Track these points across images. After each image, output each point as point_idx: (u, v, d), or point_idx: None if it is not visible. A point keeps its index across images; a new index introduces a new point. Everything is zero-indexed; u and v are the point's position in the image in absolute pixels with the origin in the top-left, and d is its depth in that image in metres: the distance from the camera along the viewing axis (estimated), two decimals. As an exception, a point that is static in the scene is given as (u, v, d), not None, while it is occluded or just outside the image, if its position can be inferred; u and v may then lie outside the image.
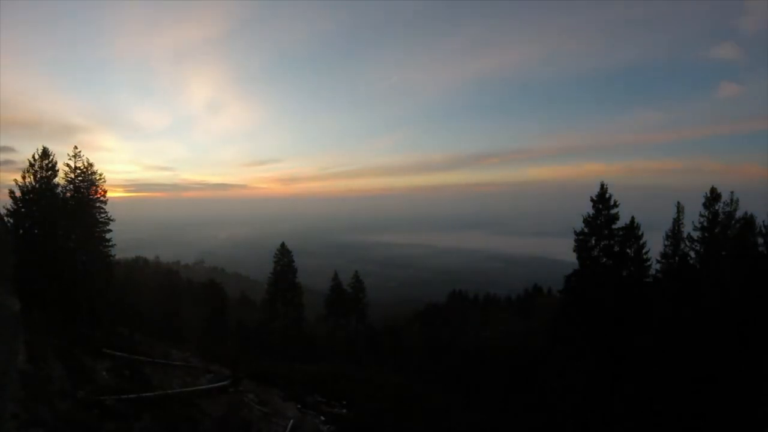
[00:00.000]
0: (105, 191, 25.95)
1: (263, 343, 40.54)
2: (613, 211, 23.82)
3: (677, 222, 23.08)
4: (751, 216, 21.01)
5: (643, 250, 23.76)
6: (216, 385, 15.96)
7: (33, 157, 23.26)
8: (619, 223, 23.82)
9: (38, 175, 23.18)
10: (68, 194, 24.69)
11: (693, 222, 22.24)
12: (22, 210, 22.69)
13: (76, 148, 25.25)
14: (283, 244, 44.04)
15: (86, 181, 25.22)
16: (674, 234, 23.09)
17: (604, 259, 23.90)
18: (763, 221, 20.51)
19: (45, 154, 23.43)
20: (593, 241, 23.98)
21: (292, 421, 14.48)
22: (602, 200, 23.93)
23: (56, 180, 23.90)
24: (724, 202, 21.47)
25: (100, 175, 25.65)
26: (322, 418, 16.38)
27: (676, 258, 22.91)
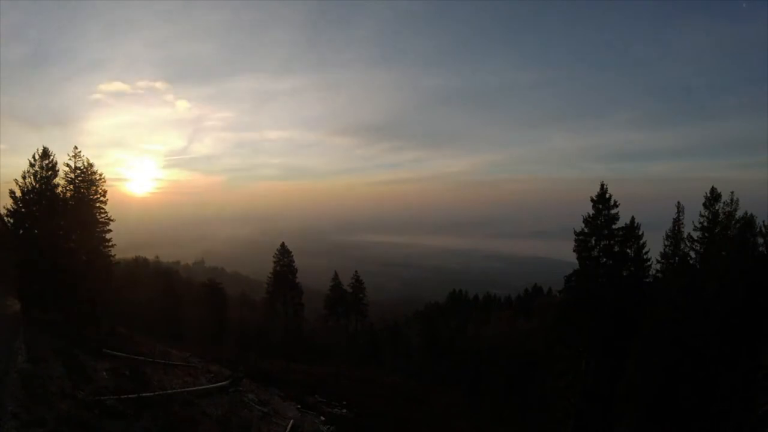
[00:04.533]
0: (105, 191, 25.91)
1: (263, 343, 40.58)
2: (613, 211, 23.79)
3: (677, 222, 23.04)
4: (751, 216, 20.96)
5: (643, 250, 23.74)
6: (216, 385, 15.98)
7: (33, 157, 23.21)
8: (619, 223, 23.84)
9: (38, 175, 23.10)
10: (68, 194, 24.64)
11: (693, 222, 22.20)
12: (22, 210, 22.64)
13: (76, 148, 25.20)
14: (283, 244, 44.04)
15: (86, 181, 25.16)
16: (674, 234, 23.04)
17: (604, 259, 23.86)
18: (763, 221, 20.48)
19: (45, 154, 23.34)
20: (593, 241, 23.93)
21: (292, 421, 14.50)
22: (602, 200, 23.90)
23: (56, 180, 23.86)
24: (724, 202, 21.41)
25: (101, 174, 25.63)
26: (322, 418, 16.41)
27: (676, 258, 22.87)
